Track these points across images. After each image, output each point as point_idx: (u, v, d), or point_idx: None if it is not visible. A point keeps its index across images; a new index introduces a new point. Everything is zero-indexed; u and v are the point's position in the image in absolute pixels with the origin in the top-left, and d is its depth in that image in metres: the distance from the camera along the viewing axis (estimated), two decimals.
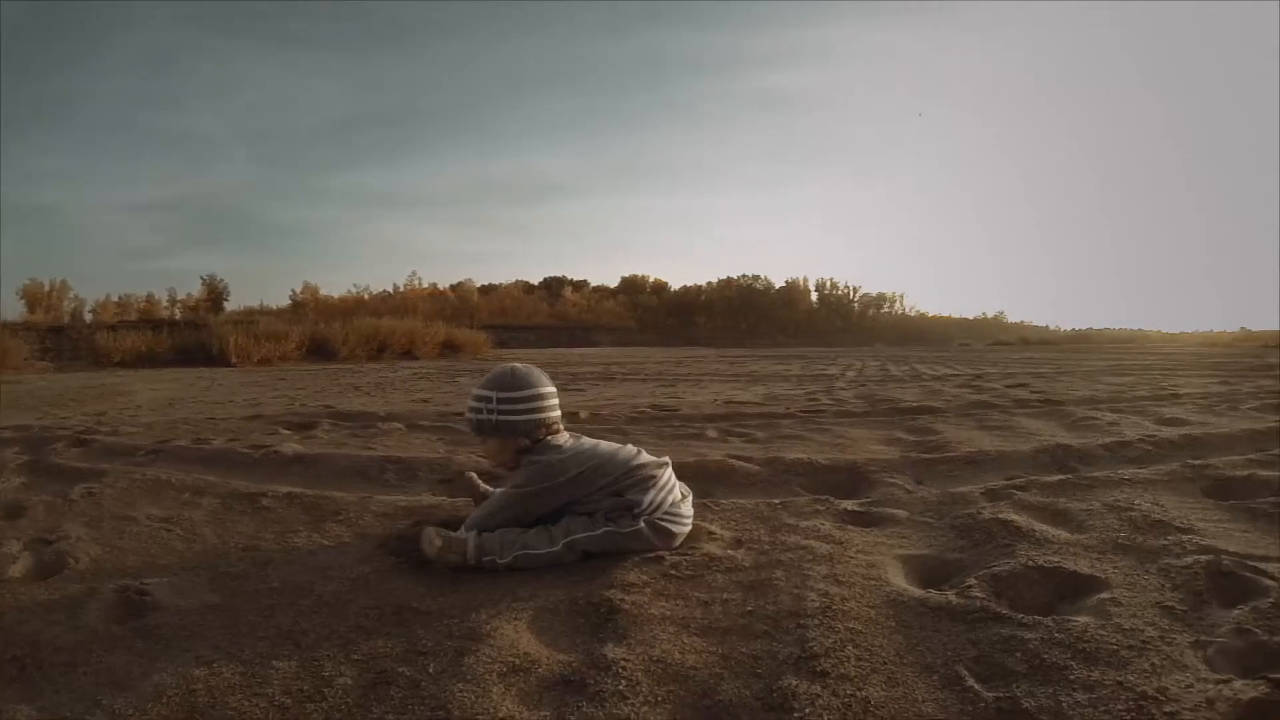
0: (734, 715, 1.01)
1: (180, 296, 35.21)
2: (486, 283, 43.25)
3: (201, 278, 35.77)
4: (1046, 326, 43.39)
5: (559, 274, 47.36)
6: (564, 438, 1.74)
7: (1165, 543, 1.70)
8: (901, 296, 46.37)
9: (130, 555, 1.68)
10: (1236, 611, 1.30)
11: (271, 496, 2.12)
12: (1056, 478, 2.46)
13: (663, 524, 1.66)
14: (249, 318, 17.84)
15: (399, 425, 3.89)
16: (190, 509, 2.06)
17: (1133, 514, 1.96)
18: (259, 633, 1.26)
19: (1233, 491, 2.21)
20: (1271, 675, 1.04)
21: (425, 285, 39.20)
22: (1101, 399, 5.15)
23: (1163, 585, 1.45)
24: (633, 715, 1.00)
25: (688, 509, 1.76)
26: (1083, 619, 1.29)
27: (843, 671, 1.11)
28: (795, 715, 0.99)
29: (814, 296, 45.54)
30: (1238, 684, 1.04)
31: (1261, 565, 1.49)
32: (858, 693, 1.05)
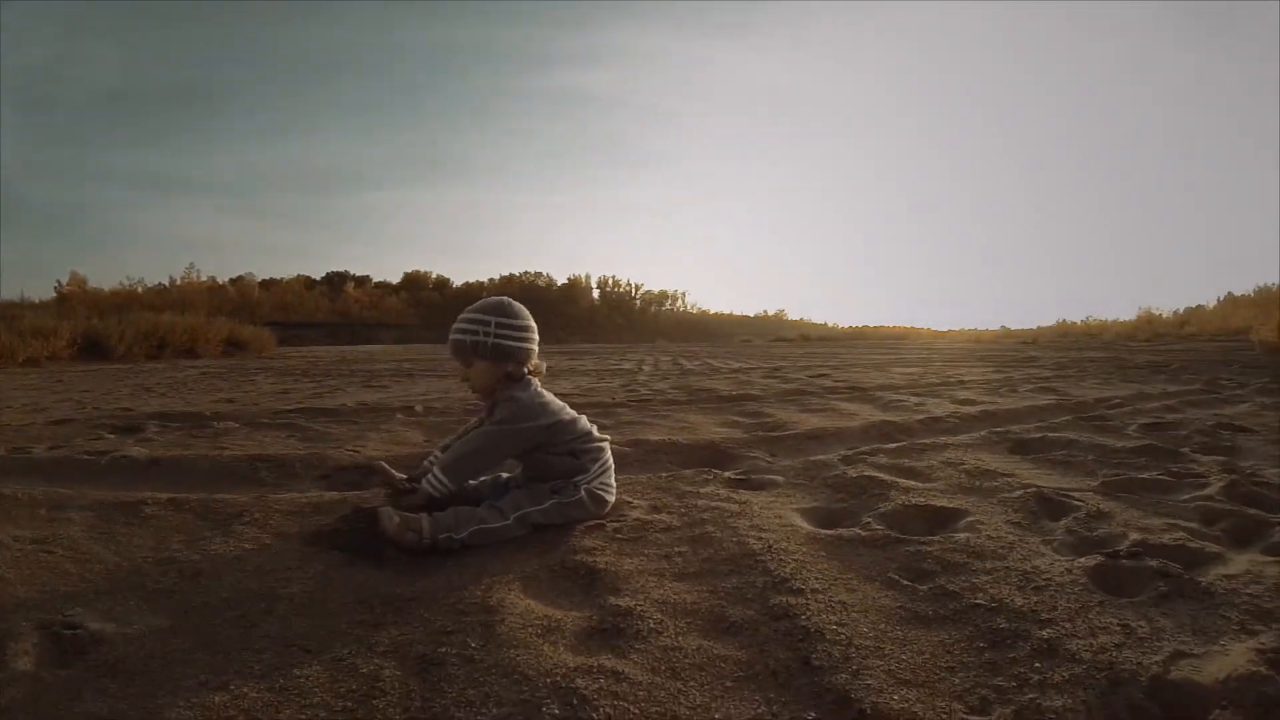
0: (753, 628, 1.33)
1: None
2: (267, 277, 45.72)
3: None
4: (825, 323, 50.88)
5: (341, 269, 50.98)
6: (538, 382, 2.00)
7: (996, 484, 2.40)
8: (684, 294, 53.08)
9: (19, 586, 1.53)
10: (1062, 521, 1.96)
11: (153, 504, 2.09)
12: (893, 445, 3.19)
13: (599, 493, 1.99)
14: (9, 311, 17.90)
15: (234, 424, 3.87)
16: (61, 526, 1.93)
17: (965, 467, 2.69)
18: (251, 646, 1.28)
19: (1031, 449, 3.10)
20: (1102, 551, 1.66)
21: (204, 279, 40.39)
22: (900, 385, 6.40)
23: (1006, 510, 2.10)
24: (676, 642, 1.27)
25: (613, 479, 2.09)
26: (961, 535, 1.85)
27: (812, 587, 1.50)
28: (799, 619, 1.34)
29: (595, 294, 51.15)
30: (1081, 559, 1.64)
31: (1069, 494, 2.22)
32: (832, 598, 1.44)
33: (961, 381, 6.78)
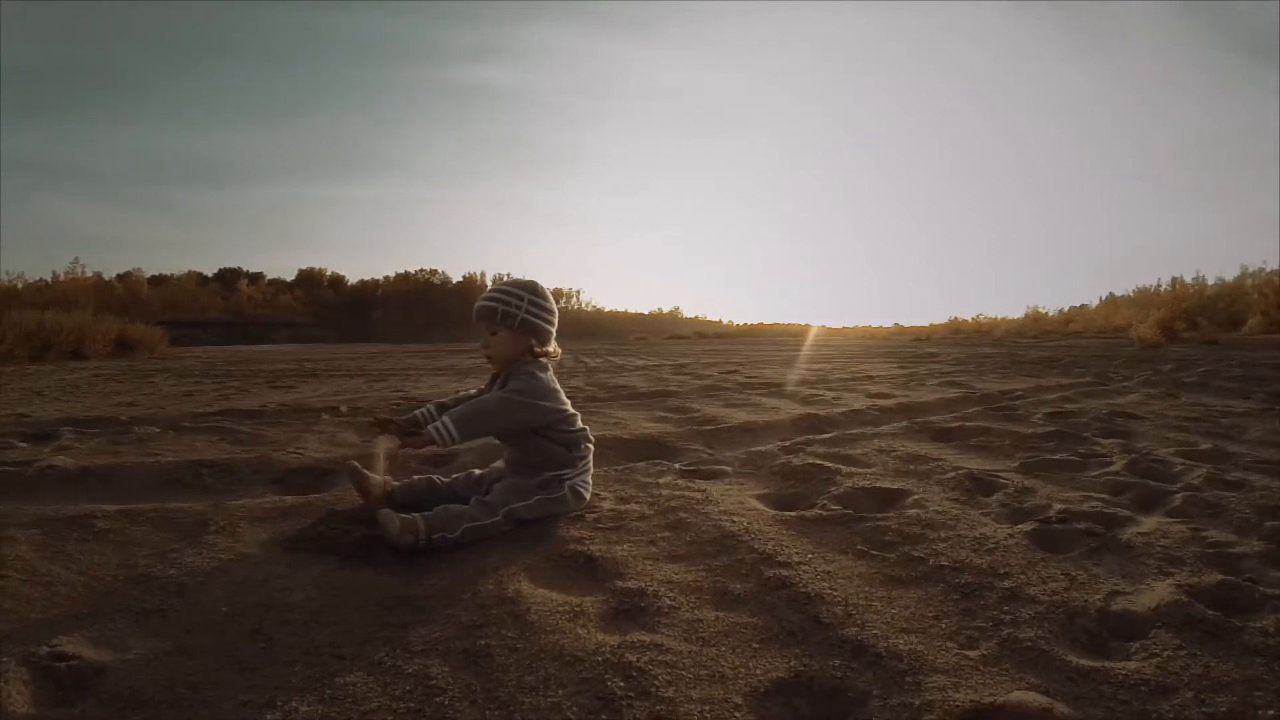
0: (757, 598, 1.54)
1: None
2: (157, 273, 45.31)
3: None
4: (719, 321, 52.43)
5: (235, 265, 51.19)
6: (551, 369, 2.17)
7: (930, 467, 2.74)
8: (579, 292, 53.99)
9: None
10: (994, 497, 2.30)
11: (103, 517, 2.06)
12: (825, 436, 3.52)
13: (580, 490, 2.17)
14: None
15: (155, 429, 3.77)
16: (6, 546, 1.86)
17: (898, 454, 3.03)
18: (279, 659, 1.31)
19: (952, 437, 3.49)
20: (1036, 519, 1.99)
21: (89, 274, 38.62)
22: (812, 381, 6.84)
23: (944, 489, 2.42)
24: (695, 615, 1.45)
25: (591, 478, 2.28)
26: (911, 511, 2.15)
27: (797, 561, 1.73)
28: (796, 587, 1.57)
29: None
30: (1019, 526, 1.96)
31: (995, 474, 2.58)
32: (817, 569, 1.69)
33: (870, 377, 7.31)
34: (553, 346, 2.20)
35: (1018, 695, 1.11)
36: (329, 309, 46.84)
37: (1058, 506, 2.13)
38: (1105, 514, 2.06)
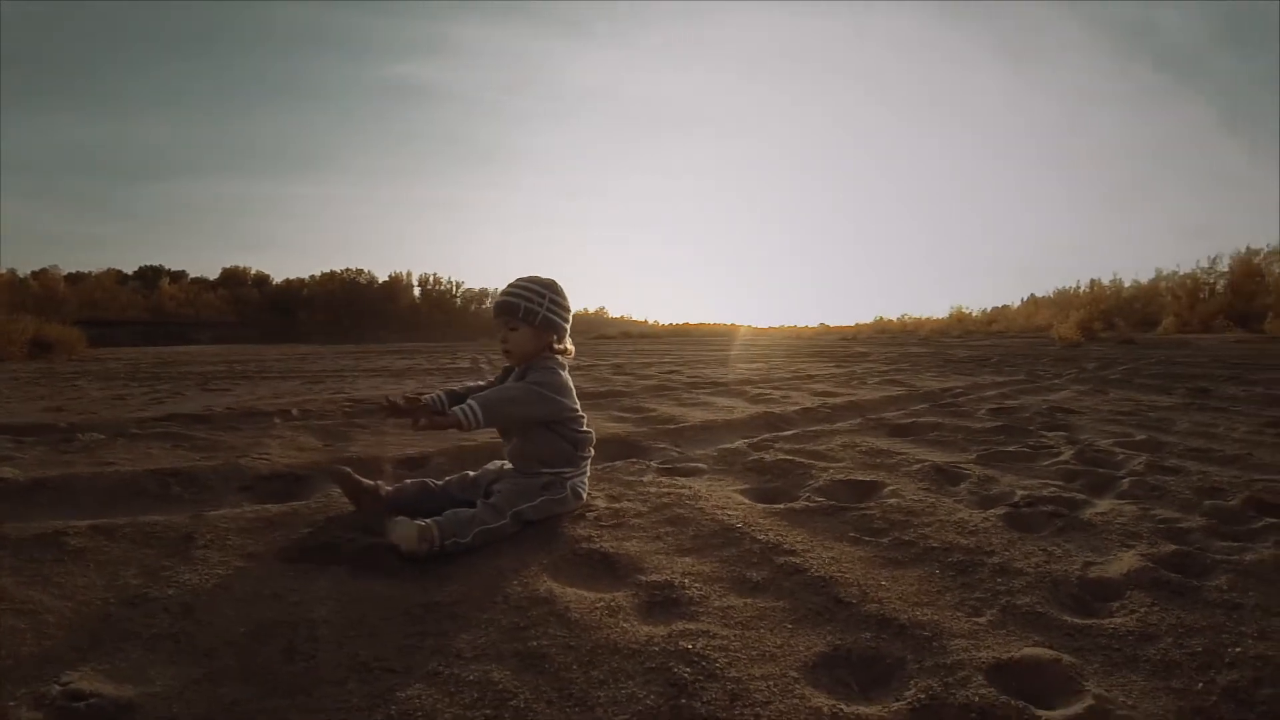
0: (775, 584, 1.72)
1: None
2: (74, 270, 46.45)
3: None
4: (646, 321, 53.01)
5: (156, 263, 52.57)
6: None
7: (896, 460, 3.00)
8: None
9: None
10: (961, 486, 2.56)
11: (76, 535, 1.98)
12: (788, 433, 3.75)
13: (579, 488, 2.30)
14: None
15: (100, 436, 3.64)
16: None
17: (861, 449, 3.28)
18: (326, 678, 1.30)
19: (908, 432, 3.78)
20: (1005, 504, 2.25)
21: (2, 271, 40.08)
22: (756, 380, 7.12)
23: (914, 480, 2.67)
24: (726, 603, 1.61)
25: (588, 475, 2.41)
26: (891, 501, 2.38)
27: (804, 549, 1.92)
28: (808, 572, 1.76)
29: (417, 291, 53.83)
30: (992, 510, 2.21)
31: (958, 465, 2.85)
32: (821, 555, 1.88)
33: (810, 376, 7.64)
34: (569, 343, 2.33)
35: (1030, 650, 1.33)
36: (253, 309, 47.67)
37: (1021, 493, 2.40)
38: (1064, 498, 2.33)
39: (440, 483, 2.31)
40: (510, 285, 2.26)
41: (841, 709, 1.18)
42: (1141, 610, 1.50)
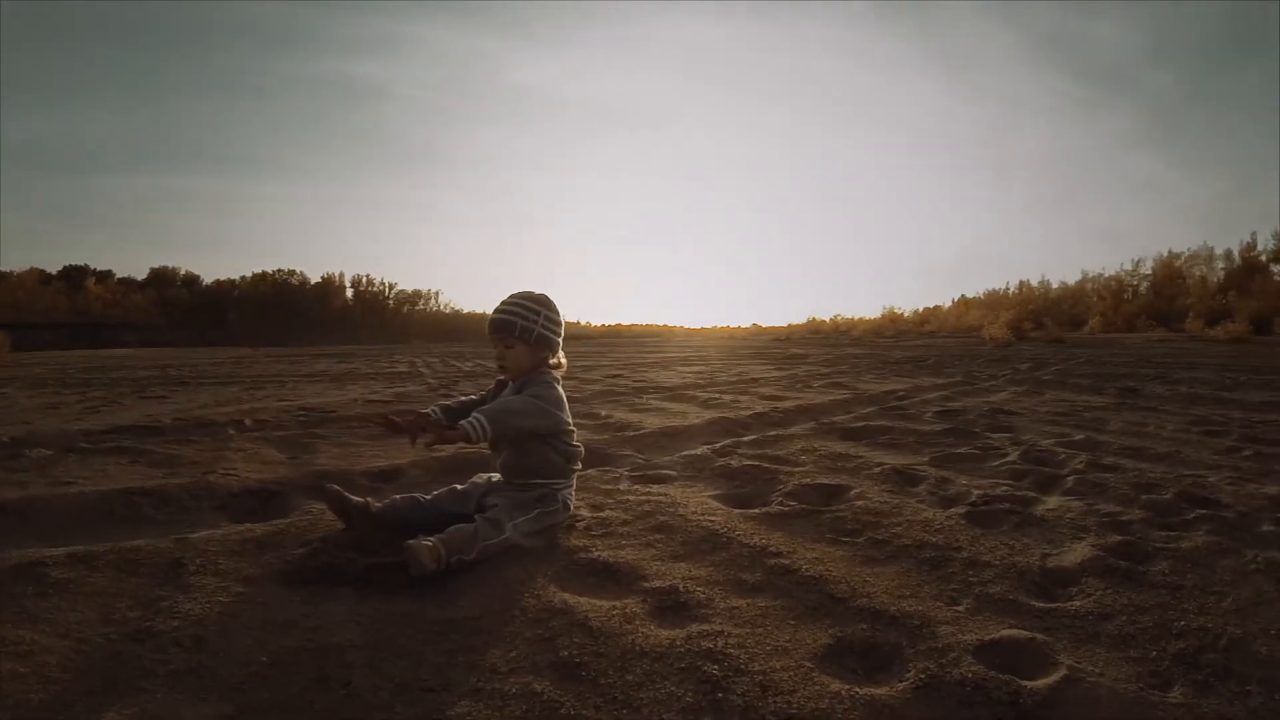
0: (770, 585, 1.89)
1: None
2: None
3: None
4: (578, 322, 53.39)
5: (80, 262, 51.66)
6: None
7: (856, 464, 3.23)
8: (437, 294, 55.19)
9: None
10: (920, 487, 2.80)
11: (55, 564, 1.94)
12: (747, 438, 3.95)
13: (568, 500, 2.42)
14: None
15: (48, 451, 3.56)
16: None
17: (821, 452, 3.50)
18: (370, 703, 1.34)
19: (860, 436, 4.03)
20: (964, 503, 2.49)
21: None
22: (702, 385, 7.35)
23: (876, 482, 2.90)
24: (730, 604, 1.77)
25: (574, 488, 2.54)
26: (859, 503, 2.59)
27: (789, 551, 2.10)
28: (799, 573, 1.94)
29: (349, 293, 54.00)
30: (953, 510, 2.45)
31: (914, 468, 3.10)
32: (806, 556, 2.07)
33: (754, 379, 7.91)
34: (562, 357, 2.47)
35: (1007, 632, 1.55)
36: (182, 310, 47.69)
37: (977, 492, 2.65)
38: (1017, 496, 2.59)
39: (429, 497, 2.37)
40: (504, 303, 2.37)
41: (857, 691, 1.37)
42: (1097, 594, 1.75)
